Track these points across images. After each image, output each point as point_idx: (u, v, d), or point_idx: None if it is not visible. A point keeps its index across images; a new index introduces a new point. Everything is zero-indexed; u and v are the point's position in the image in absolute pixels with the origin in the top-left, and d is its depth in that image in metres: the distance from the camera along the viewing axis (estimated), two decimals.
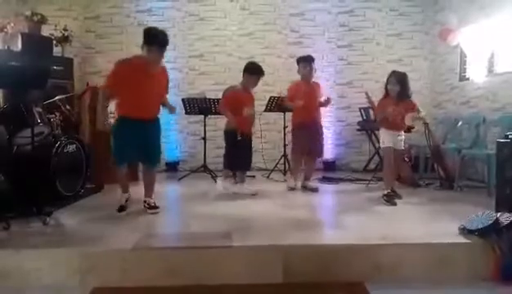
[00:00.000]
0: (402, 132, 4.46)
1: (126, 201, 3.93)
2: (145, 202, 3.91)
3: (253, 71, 4.63)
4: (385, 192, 4.26)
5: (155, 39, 3.57)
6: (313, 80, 5.03)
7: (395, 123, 4.31)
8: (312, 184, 5.10)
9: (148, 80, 3.65)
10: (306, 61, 4.93)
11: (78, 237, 3.08)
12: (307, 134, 4.86)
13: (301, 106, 4.74)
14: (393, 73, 4.39)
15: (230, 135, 4.64)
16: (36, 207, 3.57)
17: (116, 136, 3.77)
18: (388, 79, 4.37)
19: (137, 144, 3.69)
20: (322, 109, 5.13)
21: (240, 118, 4.53)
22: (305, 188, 5.01)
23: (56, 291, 2.62)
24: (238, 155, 4.63)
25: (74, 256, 2.75)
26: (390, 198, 4.17)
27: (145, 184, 4.00)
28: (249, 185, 4.87)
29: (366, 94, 5.50)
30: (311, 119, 4.90)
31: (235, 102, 4.55)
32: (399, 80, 4.29)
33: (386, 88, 4.38)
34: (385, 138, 4.40)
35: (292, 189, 4.96)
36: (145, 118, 3.74)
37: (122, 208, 3.81)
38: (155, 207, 3.84)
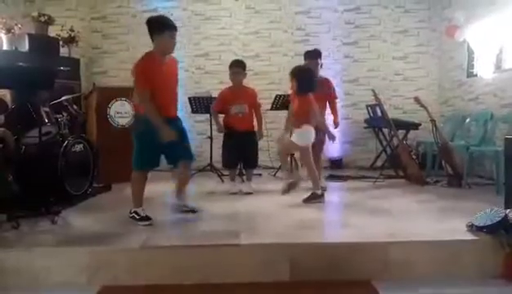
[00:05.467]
0: (304, 126, 4.13)
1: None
2: (184, 206, 3.72)
3: (230, 65, 4.73)
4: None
5: (166, 23, 3.35)
6: (322, 76, 4.90)
7: (295, 119, 4.25)
8: (322, 184, 4.84)
9: (167, 74, 3.42)
10: (310, 58, 4.84)
11: (87, 236, 3.10)
12: None
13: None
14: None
15: (224, 134, 4.83)
16: (44, 206, 3.60)
17: (143, 138, 3.38)
18: None
19: (166, 144, 3.31)
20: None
21: (228, 117, 4.73)
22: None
23: (66, 290, 2.65)
24: (225, 153, 4.80)
25: (82, 254, 2.77)
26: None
27: (180, 184, 3.75)
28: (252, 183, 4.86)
29: (373, 91, 5.51)
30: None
31: (222, 102, 4.75)
32: (293, 74, 4.20)
33: None
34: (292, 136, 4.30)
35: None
36: (172, 116, 3.48)
37: (148, 218, 3.39)
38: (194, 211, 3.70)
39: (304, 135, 4.15)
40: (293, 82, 4.20)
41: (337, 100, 5.09)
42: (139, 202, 3.43)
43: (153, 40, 3.35)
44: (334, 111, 4.99)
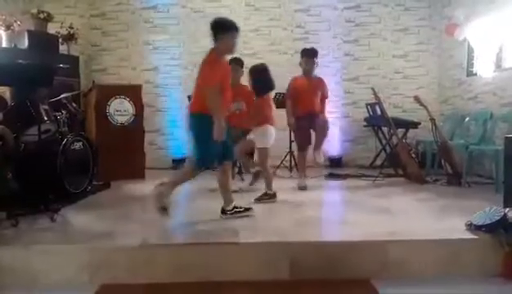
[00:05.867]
0: (263, 127, 4.15)
1: None
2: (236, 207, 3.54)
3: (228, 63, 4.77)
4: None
5: (231, 24, 3.40)
6: (316, 75, 5.03)
7: (253, 119, 4.26)
8: (319, 157, 4.97)
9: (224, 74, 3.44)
10: (308, 56, 4.92)
11: (86, 234, 3.09)
12: (305, 125, 4.87)
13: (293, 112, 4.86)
14: None
15: None
16: (44, 204, 3.59)
17: (209, 137, 3.28)
18: None
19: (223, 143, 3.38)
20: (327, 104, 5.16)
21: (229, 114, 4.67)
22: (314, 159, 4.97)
23: (65, 288, 2.64)
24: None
25: (82, 252, 2.77)
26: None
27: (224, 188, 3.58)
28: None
29: (373, 90, 5.51)
30: (308, 113, 4.87)
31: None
32: (250, 74, 4.26)
33: None
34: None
35: (303, 188, 4.81)
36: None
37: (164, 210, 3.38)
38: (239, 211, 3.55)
39: (263, 136, 4.14)
40: (250, 82, 4.24)
41: (327, 101, 5.17)
42: (173, 190, 3.39)
43: (216, 40, 3.39)
44: (322, 111, 5.04)
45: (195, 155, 3.38)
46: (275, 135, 4.22)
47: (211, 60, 3.35)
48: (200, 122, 3.32)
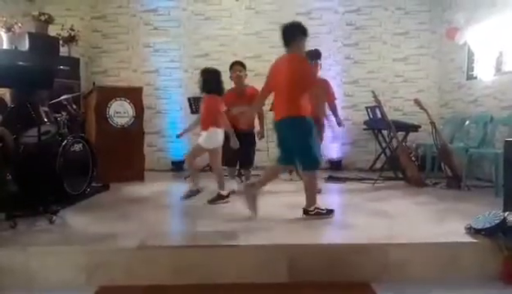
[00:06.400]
0: (211, 129, 4.19)
1: None
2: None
3: (231, 66, 4.94)
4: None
5: (304, 30, 3.55)
6: (321, 77, 4.99)
7: (202, 121, 4.32)
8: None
9: None
10: (310, 58, 4.76)
11: (85, 235, 3.08)
12: None
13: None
14: None
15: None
16: (43, 205, 3.59)
17: (313, 138, 3.54)
18: None
19: None
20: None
21: (230, 116, 4.57)
22: None
23: (63, 290, 2.63)
24: (229, 153, 4.52)
25: (80, 254, 2.77)
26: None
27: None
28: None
29: (373, 93, 5.51)
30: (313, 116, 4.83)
31: (228, 106, 4.67)
32: (200, 73, 4.37)
33: None
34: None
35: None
36: None
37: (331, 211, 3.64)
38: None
39: (212, 138, 4.18)
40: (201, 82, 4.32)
41: (336, 101, 5.11)
42: (316, 197, 3.61)
43: (289, 45, 3.54)
44: (334, 112, 5.01)
45: (314, 157, 3.49)
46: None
47: (303, 60, 3.52)
48: (305, 124, 3.46)
